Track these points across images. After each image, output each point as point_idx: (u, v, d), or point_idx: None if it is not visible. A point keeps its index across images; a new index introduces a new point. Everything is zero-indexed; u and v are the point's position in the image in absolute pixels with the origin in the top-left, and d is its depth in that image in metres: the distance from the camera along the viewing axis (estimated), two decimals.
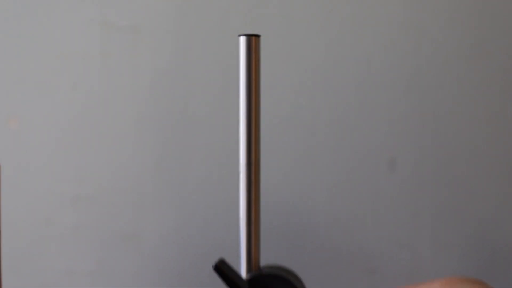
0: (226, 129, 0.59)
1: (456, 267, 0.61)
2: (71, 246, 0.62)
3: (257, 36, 0.40)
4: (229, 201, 0.60)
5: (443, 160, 0.60)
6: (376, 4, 0.59)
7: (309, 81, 0.60)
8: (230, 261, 0.39)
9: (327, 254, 0.61)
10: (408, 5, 0.59)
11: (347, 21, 0.59)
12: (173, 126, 0.61)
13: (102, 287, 0.62)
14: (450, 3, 0.59)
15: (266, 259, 0.46)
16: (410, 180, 0.61)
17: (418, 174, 0.60)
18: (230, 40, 0.58)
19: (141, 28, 0.59)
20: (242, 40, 0.40)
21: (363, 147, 0.60)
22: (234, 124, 0.43)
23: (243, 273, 0.39)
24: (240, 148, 0.40)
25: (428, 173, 0.60)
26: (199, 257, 0.62)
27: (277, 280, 0.37)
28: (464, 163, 0.60)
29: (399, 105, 0.60)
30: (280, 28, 0.59)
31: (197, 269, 0.62)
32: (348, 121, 0.60)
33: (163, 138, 0.61)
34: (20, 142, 0.61)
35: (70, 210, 0.61)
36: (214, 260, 0.62)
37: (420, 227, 0.61)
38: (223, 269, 0.38)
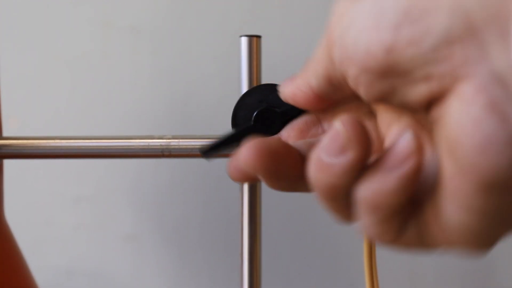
0: (227, 130, 0.59)
1: (457, 267, 0.61)
2: (71, 246, 0.62)
3: (258, 36, 0.40)
4: (229, 201, 0.60)
5: None
6: None
7: None
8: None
9: (326, 255, 0.62)
10: None
11: None
12: (173, 126, 0.60)
13: (102, 287, 0.62)
14: None
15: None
16: None
17: None
18: (230, 40, 0.58)
19: (141, 28, 0.59)
20: (243, 40, 0.39)
21: None
22: None
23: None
24: None
25: None
26: (199, 257, 0.62)
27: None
28: None
29: None
30: (281, 28, 0.59)
31: (197, 269, 0.62)
32: None
33: None
34: None
35: (70, 210, 0.61)
36: (213, 260, 0.62)
37: None
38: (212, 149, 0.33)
